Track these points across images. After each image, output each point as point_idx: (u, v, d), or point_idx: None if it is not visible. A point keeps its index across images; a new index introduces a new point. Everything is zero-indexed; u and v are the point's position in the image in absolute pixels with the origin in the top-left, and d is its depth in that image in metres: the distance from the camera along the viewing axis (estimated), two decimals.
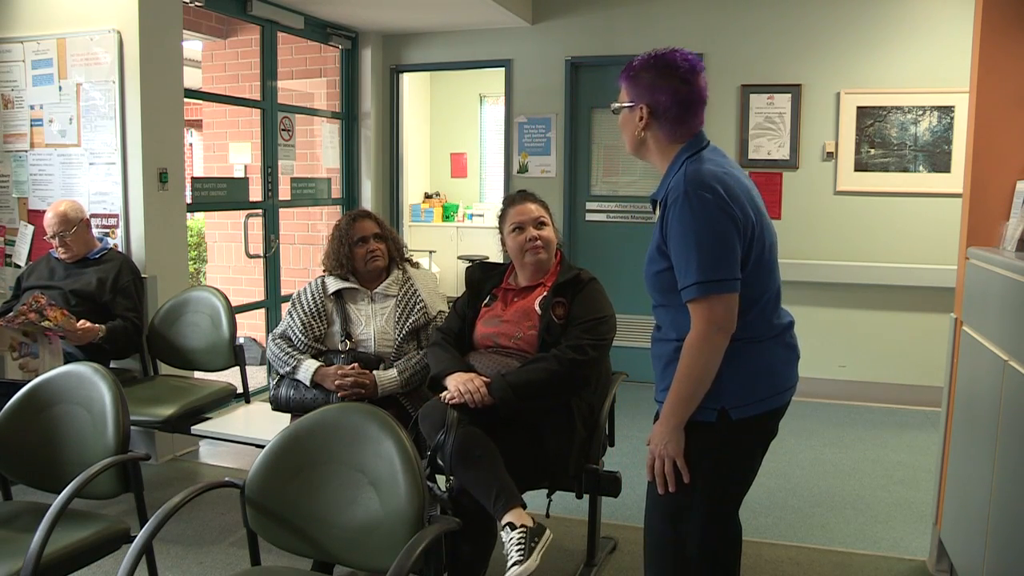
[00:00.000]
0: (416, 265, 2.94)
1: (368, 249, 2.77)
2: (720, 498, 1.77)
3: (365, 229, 2.80)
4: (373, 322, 2.74)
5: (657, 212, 1.78)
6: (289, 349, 2.71)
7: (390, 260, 2.84)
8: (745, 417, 1.71)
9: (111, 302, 3.35)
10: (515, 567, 1.94)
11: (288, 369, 2.68)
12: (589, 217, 5.30)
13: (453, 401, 2.24)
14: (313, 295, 2.79)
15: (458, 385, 2.26)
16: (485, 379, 2.29)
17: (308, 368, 2.65)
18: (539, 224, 2.47)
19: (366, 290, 2.80)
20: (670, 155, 1.79)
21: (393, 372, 2.65)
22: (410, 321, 2.72)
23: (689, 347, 1.66)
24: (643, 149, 1.83)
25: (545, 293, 2.43)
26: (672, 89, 1.74)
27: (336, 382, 2.58)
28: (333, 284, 2.79)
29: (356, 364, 2.64)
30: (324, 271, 2.85)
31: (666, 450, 1.70)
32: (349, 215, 2.88)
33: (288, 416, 2.71)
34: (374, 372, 2.64)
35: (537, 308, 2.41)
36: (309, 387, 2.65)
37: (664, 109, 1.75)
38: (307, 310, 2.76)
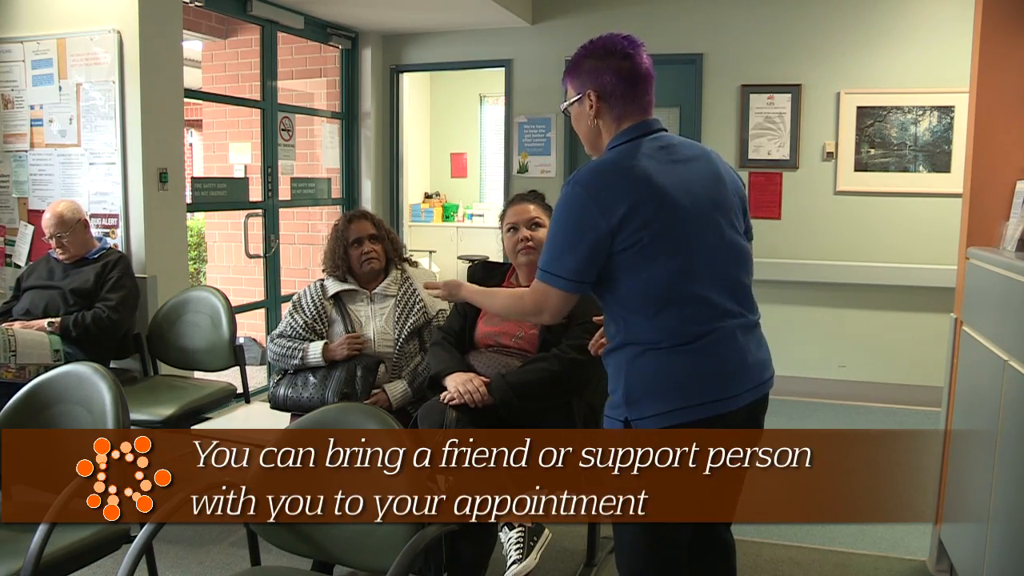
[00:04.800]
0: (415, 264, 2.94)
1: (363, 251, 2.77)
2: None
3: (361, 230, 2.79)
4: (372, 323, 2.76)
5: None
6: (291, 343, 2.73)
7: (387, 260, 2.84)
8: (648, 430, 1.66)
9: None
10: (514, 566, 1.95)
11: (296, 360, 2.69)
12: None
13: (453, 402, 2.24)
14: (313, 298, 2.80)
15: (457, 385, 2.27)
16: (485, 379, 2.29)
17: (316, 349, 2.69)
18: (533, 225, 2.46)
19: (365, 291, 2.81)
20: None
21: (403, 385, 2.68)
22: (410, 322, 2.74)
23: (519, 299, 1.81)
24: (599, 142, 1.76)
25: None
26: (614, 67, 1.71)
27: (348, 348, 2.66)
28: (332, 286, 2.80)
29: (360, 342, 2.70)
30: (323, 271, 2.86)
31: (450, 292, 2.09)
32: (346, 216, 2.87)
33: (288, 416, 2.71)
34: (384, 387, 2.67)
35: None
36: (308, 385, 2.65)
37: (611, 88, 1.71)
38: (309, 313, 2.78)
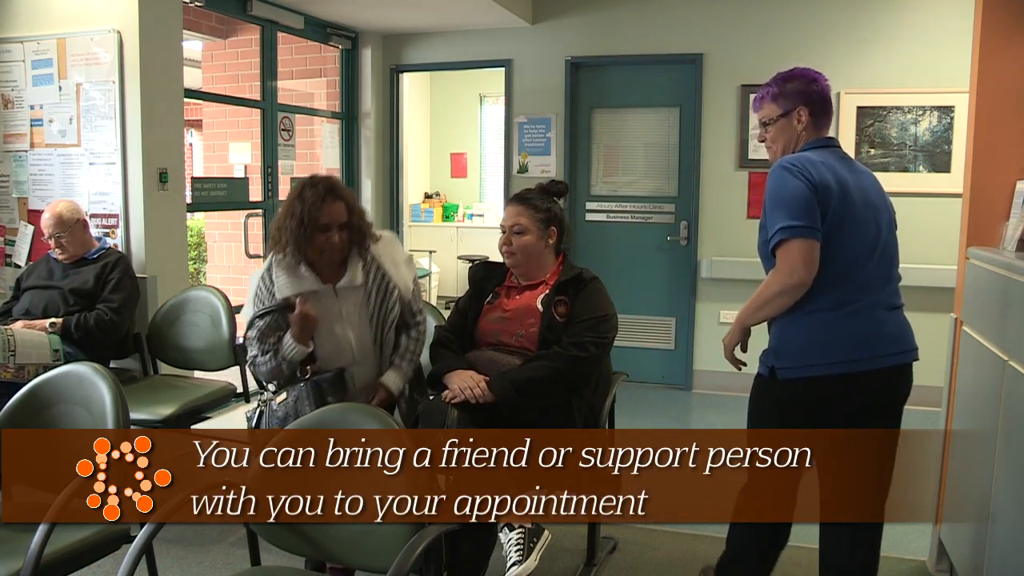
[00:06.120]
0: (377, 239, 2.43)
1: (328, 238, 2.27)
2: None
3: (333, 216, 2.28)
4: (342, 325, 2.34)
5: None
6: (270, 356, 2.31)
7: (349, 246, 2.36)
8: (790, 378, 2.01)
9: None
10: (514, 567, 1.95)
11: (285, 367, 2.31)
12: (589, 217, 5.30)
13: (454, 400, 2.25)
14: (268, 301, 2.33)
15: (458, 383, 2.27)
16: (485, 377, 2.29)
17: (288, 343, 2.29)
18: (515, 232, 2.46)
19: (327, 287, 2.33)
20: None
21: (396, 374, 2.41)
22: (391, 317, 2.37)
23: (770, 283, 1.99)
24: (794, 149, 2.13)
25: (547, 291, 2.44)
26: (817, 90, 2.13)
27: (301, 323, 2.26)
28: (285, 285, 2.29)
29: (309, 313, 2.27)
30: (272, 245, 2.35)
31: (727, 339, 2.13)
32: (318, 189, 2.28)
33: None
34: (382, 383, 2.36)
35: (539, 305, 2.42)
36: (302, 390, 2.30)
37: (816, 105, 2.12)
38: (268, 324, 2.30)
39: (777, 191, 1.99)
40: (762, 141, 2.22)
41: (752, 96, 4.87)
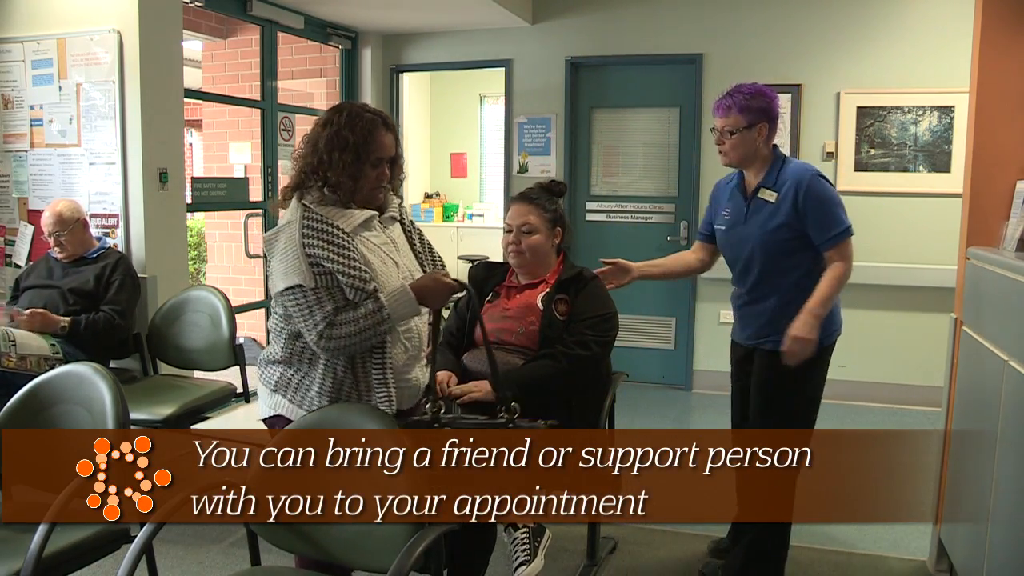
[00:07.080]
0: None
1: (379, 173, 1.98)
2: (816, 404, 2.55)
3: (385, 148, 1.97)
4: (398, 256, 2.06)
5: (772, 195, 2.43)
6: (364, 309, 1.89)
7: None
8: (828, 344, 2.53)
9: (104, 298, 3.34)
10: (522, 567, 1.95)
11: (387, 323, 1.91)
12: (589, 217, 5.30)
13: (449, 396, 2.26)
14: (341, 236, 1.92)
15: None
16: (450, 374, 2.35)
17: (404, 296, 1.92)
18: (524, 230, 2.46)
19: (376, 213, 2.03)
20: (768, 158, 2.47)
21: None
22: (436, 253, 2.17)
23: (840, 275, 2.39)
24: (753, 158, 2.46)
25: (548, 289, 2.45)
26: (775, 108, 2.46)
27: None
28: (344, 220, 1.94)
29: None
30: (299, 181, 2.00)
31: (811, 334, 2.37)
32: (368, 118, 1.96)
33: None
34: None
35: (539, 304, 2.42)
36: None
37: (773, 122, 2.45)
38: (357, 254, 1.93)
39: (831, 196, 2.40)
40: (719, 144, 2.48)
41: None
